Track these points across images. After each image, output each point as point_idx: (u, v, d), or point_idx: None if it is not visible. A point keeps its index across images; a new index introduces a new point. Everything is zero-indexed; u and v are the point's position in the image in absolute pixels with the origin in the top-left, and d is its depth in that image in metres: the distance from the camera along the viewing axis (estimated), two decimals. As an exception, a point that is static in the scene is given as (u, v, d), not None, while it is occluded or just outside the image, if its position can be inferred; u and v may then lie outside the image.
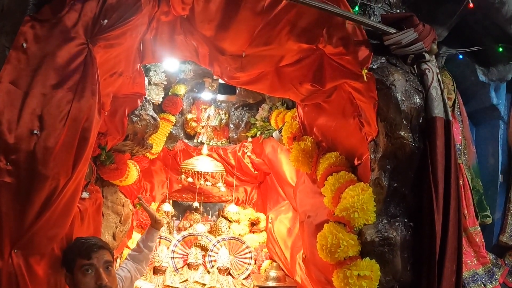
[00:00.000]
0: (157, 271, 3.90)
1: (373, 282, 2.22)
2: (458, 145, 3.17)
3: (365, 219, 2.29)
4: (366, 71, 2.27)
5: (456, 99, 3.29)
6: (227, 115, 4.56)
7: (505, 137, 3.39)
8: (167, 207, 4.25)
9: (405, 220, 2.35)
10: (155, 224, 2.85)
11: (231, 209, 4.31)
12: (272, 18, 2.32)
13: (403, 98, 2.27)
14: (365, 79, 2.26)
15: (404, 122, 2.27)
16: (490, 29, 3.02)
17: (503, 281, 3.15)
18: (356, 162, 2.70)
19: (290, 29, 2.36)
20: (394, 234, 2.28)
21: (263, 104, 4.24)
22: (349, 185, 2.48)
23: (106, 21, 1.98)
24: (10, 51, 1.82)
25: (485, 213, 3.25)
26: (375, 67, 2.33)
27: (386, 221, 2.32)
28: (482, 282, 3.02)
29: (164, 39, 2.59)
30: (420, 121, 2.33)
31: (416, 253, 2.34)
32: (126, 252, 3.79)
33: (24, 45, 1.84)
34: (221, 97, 3.62)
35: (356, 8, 2.40)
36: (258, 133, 4.20)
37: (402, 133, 2.27)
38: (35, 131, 1.76)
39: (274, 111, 3.91)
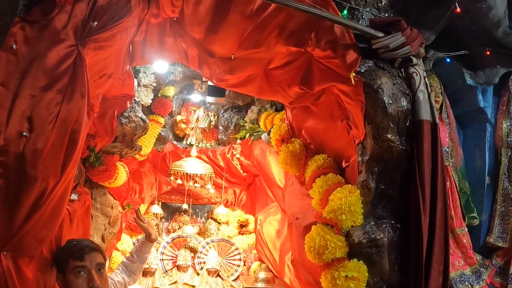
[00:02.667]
0: (146, 273, 3.91)
1: (361, 283, 2.26)
2: (445, 148, 3.25)
3: (353, 221, 2.33)
4: (353, 74, 2.31)
5: (444, 102, 3.36)
6: (216, 117, 4.59)
7: (492, 139, 3.46)
8: (156, 209, 4.27)
9: (393, 222, 2.40)
10: (149, 239, 2.84)
11: (220, 211, 4.34)
12: (261, 22, 2.36)
13: (390, 101, 2.32)
14: (353, 82, 2.31)
15: (391, 125, 2.32)
16: (477, 33, 3.09)
17: (490, 281, 3.22)
18: (344, 165, 2.76)
19: (279, 32, 2.40)
20: (381, 235, 2.33)
21: (252, 106, 4.27)
22: (337, 187, 2.52)
23: (96, 23, 2.00)
24: (0, 53, 1.83)
25: (472, 215, 3.32)
26: (363, 70, 2.39)
27: (373, 222, 2.37)
28: (469, 283, 3.10)
29: (154, 41, 2.62)
30: (407, 124, 2.38)
31: (404, 254, 2.38)
32: (115, 254, 3.81)
33: (14, 46, 1.85)
34: (210, 99, 3.65)
35: (345, 12, 2.45)
36: (247, 135, 4.23)
37: (389, 136, 2.32)
38: (24, 133, 1.78)
39: (263, 113, 3.96)
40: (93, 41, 2.02)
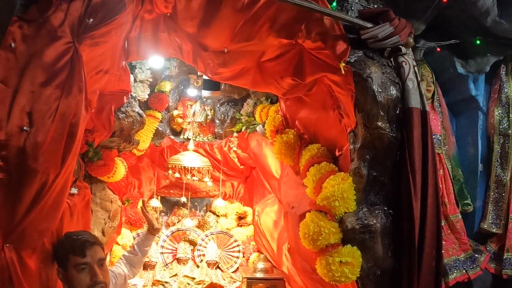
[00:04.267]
0: (146, 266, 4.01)
1: (355, 268, 2.36)
2: (438, 136, 3.33)
3: (346, 207, 2.43)
4: (343, 64, 2.40)
5: (436, 91, 3.44)
6: (212, 111, 4.68)
7: (484, 127, 3.54)
8: (155, 203, 4.36)
9: (385, 208, 2.50)
10: (152, 231, 2.95)
11: (218, 204, 4.44)
12: (253, 15, 2.44)
13: (380, 90, 2.41)
14: (343, 72, 2.40)
15: (381, 113, 2.41)
16: (467, 22, 3.16)
17: (485, 267, 3.31)
18: (337, 153, 2.85)
19: (270, 25, 2.49)
20: (374, 221, 2.43)
21: (248, 99, 4.37)
22: (330, 175, 2.62)
23: (91, 20, 2.07)
24: None
25: (466, 201, 3.41)
26: (352, 60, 2.46)
27: (366, 209, 2.47)
28: (464, 268, 3.19)
29: (148, 37, 2.69)
30: (397, 112, 2.47)
31: (397, 240, 2.48)
32: (115, 248, 3.90)
33: (13, 44, 1.91)
34: (205, 93, 3.74)
35: (334, 4, 2.54)
36: (243, 128, 4.33)
37: (380, 123, 2.41)
38: (25, 128, 1.86)
39: (259, 106, 4.05)
40: (89, 38, 2.10)
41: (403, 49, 2.57)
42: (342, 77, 2.46)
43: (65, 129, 1.99)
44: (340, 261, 2.34)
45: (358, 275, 2.39)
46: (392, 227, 2.48)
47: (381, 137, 2.44)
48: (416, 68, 2.60)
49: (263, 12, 2.43)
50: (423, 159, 2.45)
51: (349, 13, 2.60)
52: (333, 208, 2.42)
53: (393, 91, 2.45)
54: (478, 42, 3.23)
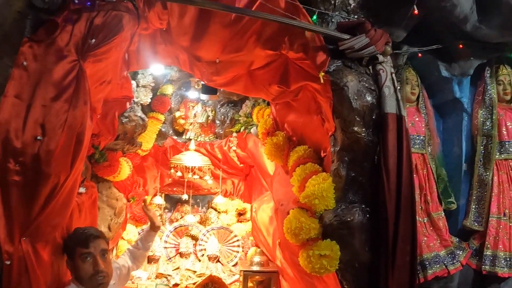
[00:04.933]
0: (150, 260, 4.36)
1: (333, 261, 2.65)
2: (422, 137, 3.57)
3: (325, 205, 2.74)
4: (322, 74, 2.71)
5: (421, 94, 3.68)
6: (213, 112, 5.01)
7: (468, 128, 3.74)
8: (159, 200, 4.71)
9: (363, 206, 2.77)
10: (154, 228, 3.26)
11: (219, 201, 4.79)
12: (240, 29, 2.78)
13: (356, 97, 2.71)
14: (322, 81, 2.71)
15: (357, 118, 2.71)
16: (450, 27, 3.36)
17: (466, 262, 3.54)
18: (322, 154, 3.17)
19: (257, 37, 2.81)
20: (351, 218, 2.71)
21: (246, 101, 4.70)
22: (313, 175, 2.93)
23: (93, 40, 2.38)
24: (12, 69, 2.21)
25: (450, 200, 3.61)
26: (331, 69, 2.76)
27: (344, 206, 2.75)
28: (444, 263, 3.40)
29: (147, 49, 3.03)
30: (374, 117, 2.76)
31: (374, 235, 2.74)
32: (121, 243, 4.27)
33: (24, 63, 2.23)
34: (204, 96, 4.09)
35: (314, 17, 2.82)
36: (242, 128, 4.66)
37: (356, 128, 2.71)
38: (39, 137, 2.17)
39: (256, 107, 4.39)
40: (92, 56, 2.41)
41: (380, 58, 2.85)
42: (322, 86, 2.77)
43: (73, 138, 2.31)
44: (320, 254, 2.63)
45: (337, 267, 2.69)
46: (369, 223, 2.74)
47: (358, 140, 2.74)
48: (393, 75, 2.87)
49: (250, 26, 2.76)
50: (398, 161, 2.71)
51: (330, 25, 2.90)
52: (314, 205, 2.74)
53: (369, 98, 2.75)
54: (460, 46, 3.42)
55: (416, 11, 2.79)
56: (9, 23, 2.26)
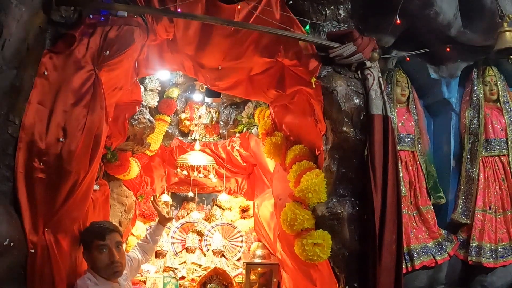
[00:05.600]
0: (158, 255, 4.68)
1: (326, 249, 2.96)
2: (411, 135, 3.86)
3: (318, 198, 3.06)
4: (314, 79, 3.03)
5: (411, 95, 3.98)
6: (217, 113, 5.31)
7: (457, 127, 4.04)
8: (166, 198, 5.04)
9: (353, 199, 3.08)
10: (163, 221, 3.57)
11: (223, 198, 5.12)
12: (239, 39, 3.12)
13: (344, 100, 3.02)
14: (313, 86, 3.04)
15: (346, 119, 3.02)
16: (435, 32, 3.63)
17: (453, 253, 3.83)
18: (317, 153, 3.49)
19: (254, 47, 3.16)
20: (342, 210, 3.02)
21: (248, 103, 5.01)
22: (308, 171, 3.26)
23: (108, 52, 2.69)
24: (35, 79, 2.49)
25: (439, 194, 3.91)
26: (323, 75, 3.08)
27: (335, 199, 3.06)
28: (432, 254, 3.69)
29: (155, 57, 3.36)
30: (361, 118, 3.06)
31: (362, 226, 3.04)
32: (130, 238, 4.61)
33: (46, 73, 2.51)
34: (208, 99, 4.44)
35: (307, 27, 3.14)
36: (245, 129, 4.97)
37: (345, 128, 3.02)
38: (61, 139, 2.47)
39: (258, 108, 4.72)
40: (106, 66, 2.73)
41: (368, 63, 3.15)
42: (314, 90, 3.09)
43: (91, 139, 2.62)
44: (313, 243, 2.95)
45: (329, 255, 2.99)
46: (358, 215, 3.06)
47: (347, 139, 3.05)
48: (381, 79, 3.16)
49: (248, 36, 3.11)
50: (384, 158, 3.01)
51: (322, 34, 3.20)
52: (307, 199, 3.07)
53: (357, 101, 3.07)
54: (447, 50, 3.69)
55: (398, 21, 3.08)
56: (32, 37, 2.49)
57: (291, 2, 3.12)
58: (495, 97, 4.02)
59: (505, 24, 3.32)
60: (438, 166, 4.04)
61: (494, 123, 3.96)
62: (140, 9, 2.89)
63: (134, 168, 4.31)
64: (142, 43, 3.00)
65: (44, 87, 2.53)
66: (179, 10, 2.87)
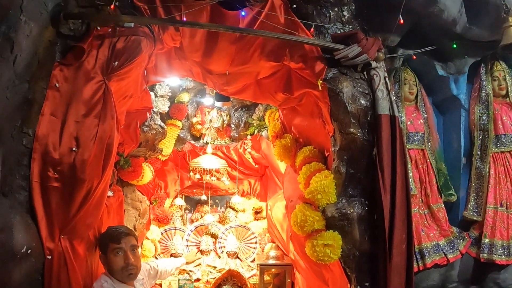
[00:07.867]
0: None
1: (336, 249, 2.97)
2: (421, 133, 3.86)
3: (327, 199, 3.07)
4: (320, 82, 3.05)
5: (419, 93, 3.97)
6: (228, 117, 5.35)
7: (466, 123, 4.02)
8: (180, 201, 5.11)
9: (362, 200, 3.08)
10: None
11: (236, 200, 5.16)
12: (245, 44, 3.16)
13: (350, 102, 3.03)
14: (320, 88, 3.07)
15: (353, 120, 3.03)
16: (441, 29, 3.63)
17: (466, 251, 3.83)
18: (326, 154, 3.50)
19: (260, 51, 3.19)
20: (351, 210, 3.02)
21: (259, 105, 5.05)
22: (317, 173, 3.28)
23: (116, 62, 2.76)
24: (47, 91, 2.57)
25: (450, 192, 3.90)
26: (329, 77, 3.08)
27: (345, 200, 3.07)
28: (443, 252, 3.70)
29: (163, 64, 3.43)
30: (368, 119, 3.06)
31: (372, 226, 3.04)
32: (145, 242, 4.66)
33: (57, 85, 2.58)
34: (218, 103, 4.51)
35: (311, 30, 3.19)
36: (256, 131, 5.01)
37: (352, 129, 3.02)
38: (74, 149, 2.55)
39: (268, 110, 4.75)
40: (115, 76, 2.79)
41: (373, 64, 3.14)
42: (320, 92, 3.11)
43: (103, 148, 2.69)
44: (324, 244, 2.97)
45: (340, 256, 2.99)
46: (368, 215, 3.05)
47: (354, 140, 3.05)
48: (387, 78, 3.15)
49: (253, 41, 3.15)
50: (392, 157, 3.01)
51: (326, 36, 3.22)
52: (317, 200, 3.08)
53: (363, 102, 3.07)
54: (454, 46, 3.71)
55: (401, 21, 3.08)
56: (42, 51, 2.59)
57: (294, 6, 3.14)
58: (504, 92, 4.00)
59: (510, 18, 3.32)
60: (449, 163, 4.03)
61: (504, 118, 3.94)
62: (146, 20, 2.95)
63: (147, 174, 4.38)
64: (150, 52, 3.05)
65: (55, 99, 2.62)
66: (184, 19, 2.91)
